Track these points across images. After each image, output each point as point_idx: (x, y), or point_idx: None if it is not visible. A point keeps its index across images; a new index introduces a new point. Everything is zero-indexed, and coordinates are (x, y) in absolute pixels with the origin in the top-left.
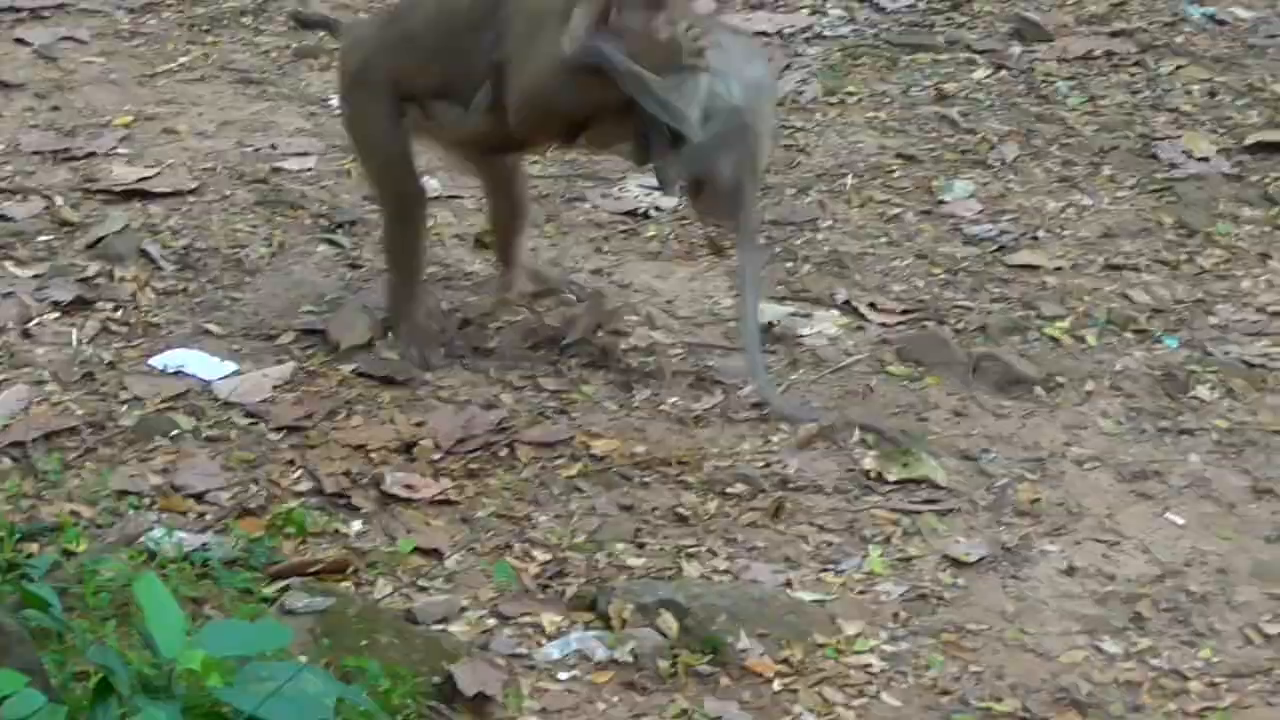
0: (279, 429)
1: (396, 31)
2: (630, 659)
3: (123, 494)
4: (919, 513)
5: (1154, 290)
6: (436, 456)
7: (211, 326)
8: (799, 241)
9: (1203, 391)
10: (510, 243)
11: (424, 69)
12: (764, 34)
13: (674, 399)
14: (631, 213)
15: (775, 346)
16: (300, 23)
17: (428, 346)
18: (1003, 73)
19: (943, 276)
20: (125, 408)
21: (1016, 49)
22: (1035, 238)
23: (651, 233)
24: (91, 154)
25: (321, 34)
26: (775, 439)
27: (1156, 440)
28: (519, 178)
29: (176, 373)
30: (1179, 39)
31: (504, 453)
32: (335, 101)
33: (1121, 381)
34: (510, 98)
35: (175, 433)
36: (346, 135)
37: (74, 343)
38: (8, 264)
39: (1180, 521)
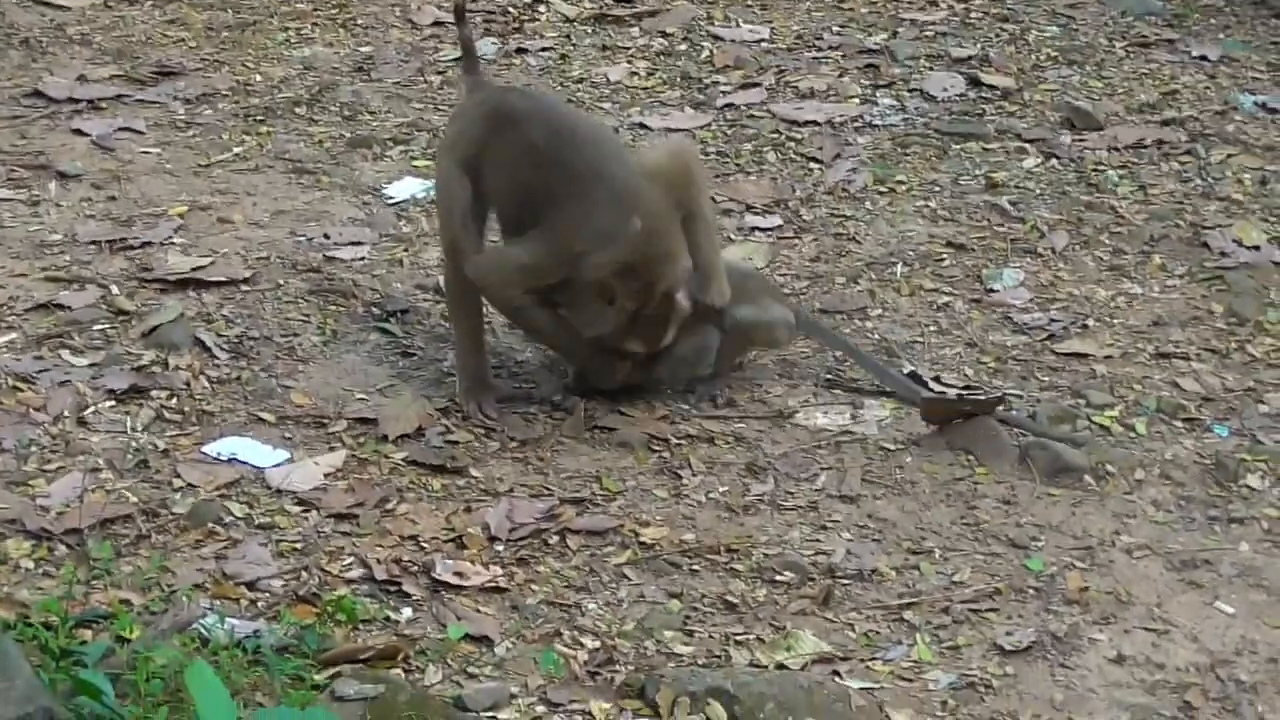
0: (330, 516)
1: (485, 129)
2: None
3: (175, 581)
4: (968, 600)
5: (1204, 379)
6: (486, 544)
7: (264, 414)
8: (848, 330)
9: (1253, 480)
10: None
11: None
12: (814, 123)
13: (723, 487)
14: None
15: (822, 439)
16: (460, 14)
17: (486, 403)
18: (1053, 161)
19: (992, 365)
20: (179, 495)
21: (1066, 138)
22: (1085, 326)
23: None
24: (147, 243)
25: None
26: (827, 526)
27: (1206, 529)
28: None
29: (229, 460)
30: (1230, 127)
31: (554, 540)
32: (388, 190)
33: (1171, 470)
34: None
35: (228, 520)
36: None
37: (128, 430)
38: (64, 352)
39: (1230, 610)
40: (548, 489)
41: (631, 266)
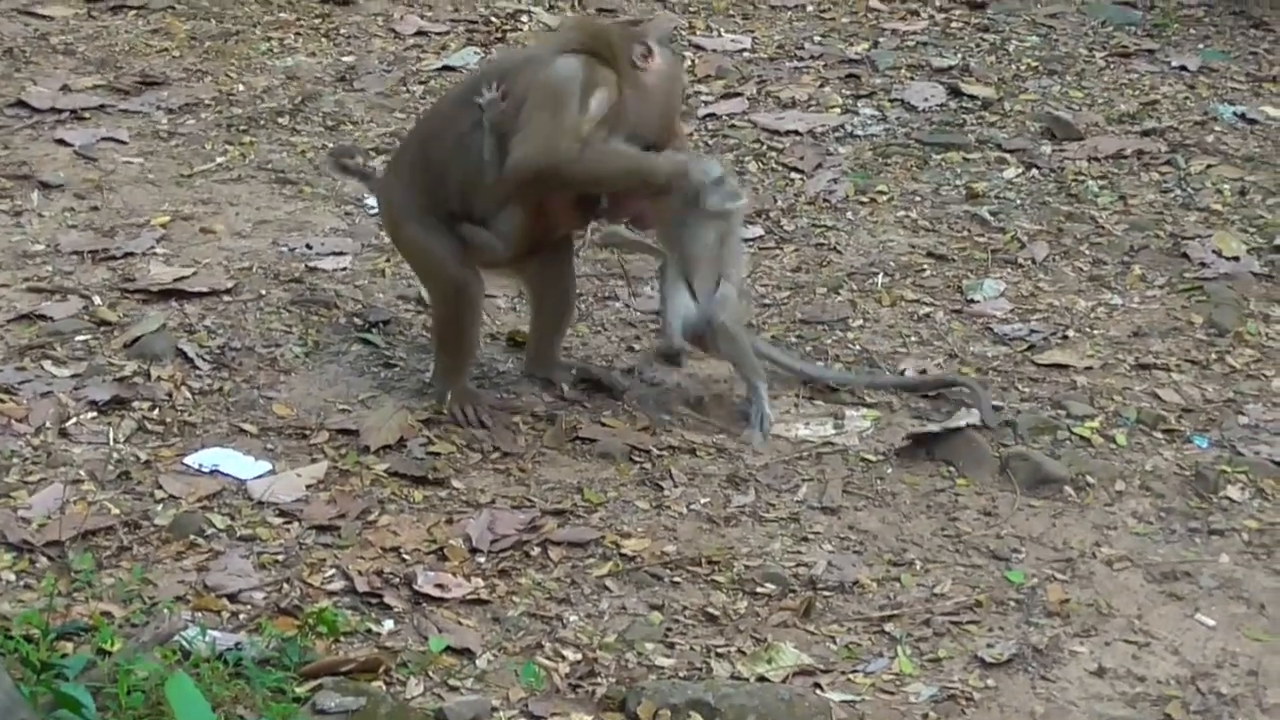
0: (312, 528)
1: (409, 161)
2: None
3: (156, 593)
4: (949, 612)
5: (1184, 390)
6: (468, 555)
7: (246, 426)
8: (830, 340)
9: (1233, 491)
10: (550, 342)
11: (442, 187)
12: (796, 133)
13: (705, 499)
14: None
15: (804, 450)
16: (338, 166)
17: (479, 407)
18: (1033, 172)
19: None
20: (160, 507)
21: (1047, 148)
22: (1065, 337)
23: None
24: (129, 254)
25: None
26: (809, 538)
27: (1186, 540)
28: (568, 275)
29: (211, 472)
30: (1209, 138)
31: (535, 552)
32: (370, 201)
33: (1151, 481)
34: (507, 167)
35: (209, 532)
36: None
37: (110, 442)
38: (46, 363)
39: (1211, 622)
40: (529, 500)
41: (631, 36)
